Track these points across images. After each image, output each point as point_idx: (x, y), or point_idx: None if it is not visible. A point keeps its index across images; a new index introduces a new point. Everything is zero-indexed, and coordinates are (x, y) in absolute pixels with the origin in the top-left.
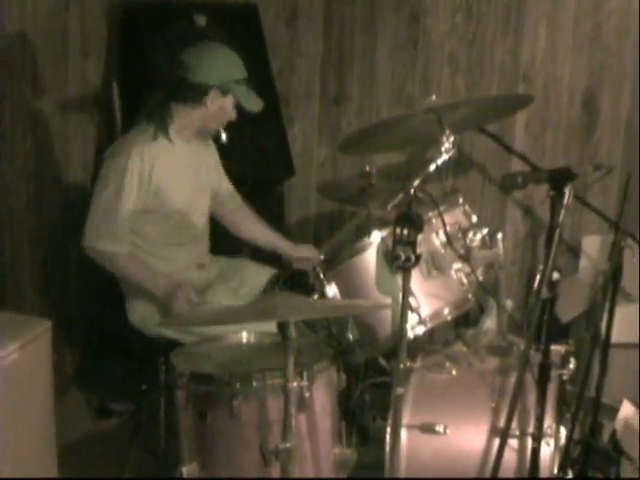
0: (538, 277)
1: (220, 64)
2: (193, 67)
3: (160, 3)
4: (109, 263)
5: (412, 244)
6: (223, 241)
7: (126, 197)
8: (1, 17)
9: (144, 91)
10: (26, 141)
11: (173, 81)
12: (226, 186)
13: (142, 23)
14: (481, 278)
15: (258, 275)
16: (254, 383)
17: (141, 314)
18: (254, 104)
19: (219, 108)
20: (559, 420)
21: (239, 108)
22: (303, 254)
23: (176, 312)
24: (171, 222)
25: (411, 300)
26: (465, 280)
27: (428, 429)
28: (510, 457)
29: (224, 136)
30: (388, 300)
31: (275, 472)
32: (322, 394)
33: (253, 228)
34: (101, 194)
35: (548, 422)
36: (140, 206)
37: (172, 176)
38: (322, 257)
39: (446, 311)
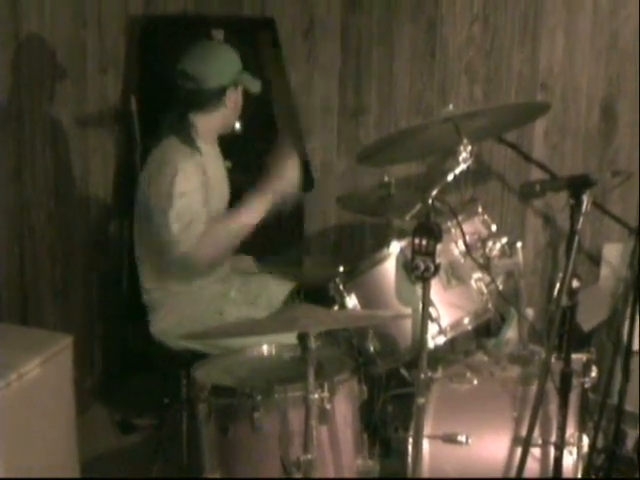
0: (558, 285)
1: (225, 61)
2: (203, 75)
3: (178, 18)
4: (205, 247)
5: (431, 254)
6: None
7: (197, 199)
8: (19, 34)
9: (163, 106)
10: (46, 157)
11: (188, 94)
12: None
13: (160, 38)
14: (501, 287)
15: (277, 288)
16: (275, 395)
17: (163, 326)
18: (256, 86)
19: (235, 102)
20: (582, 428)
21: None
22: None
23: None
24: None
25: (431, 310)
26: (485, 289)
27: (450, 439)
28: (533, 466)
29: (238, 125)
30: (408, 310)
31: None
32: (343, 406)
33: None
34: (172, 206)
35: (570, 431)
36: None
37: (210, 185)
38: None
39: (466, 321)
